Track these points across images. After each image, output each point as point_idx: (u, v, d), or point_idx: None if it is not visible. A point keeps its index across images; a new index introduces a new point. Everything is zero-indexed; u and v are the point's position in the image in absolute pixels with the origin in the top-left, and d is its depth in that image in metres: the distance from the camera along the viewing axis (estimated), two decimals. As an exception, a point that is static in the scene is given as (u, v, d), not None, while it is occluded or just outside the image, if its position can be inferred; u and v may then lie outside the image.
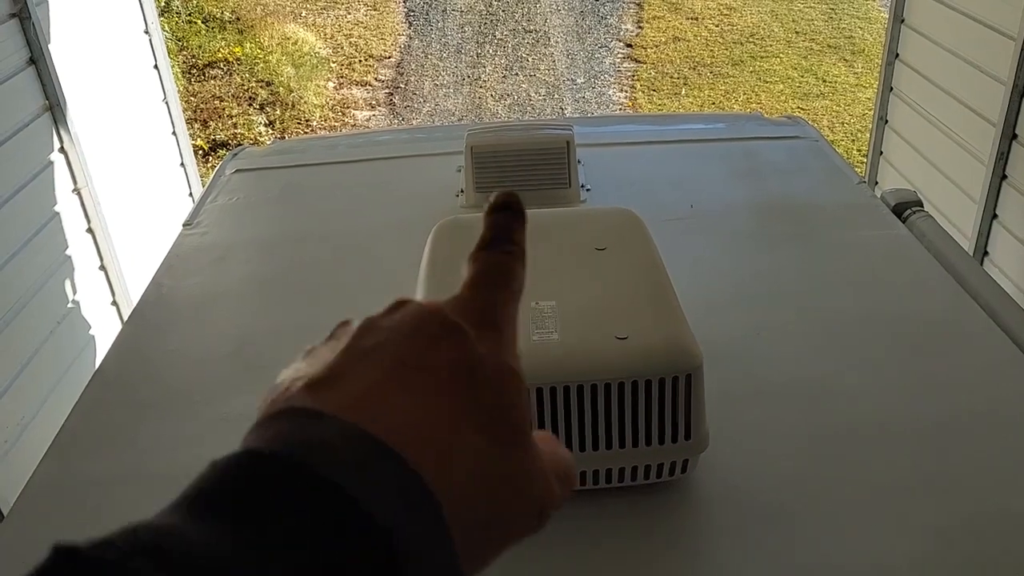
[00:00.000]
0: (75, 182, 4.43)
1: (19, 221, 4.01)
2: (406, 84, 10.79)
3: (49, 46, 4.27)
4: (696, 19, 12.04)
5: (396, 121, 10.02)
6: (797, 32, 11.55)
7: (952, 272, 2.27)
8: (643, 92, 10.37)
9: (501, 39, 11.76)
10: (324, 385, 0.54)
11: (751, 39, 11.47)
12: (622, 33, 11.79)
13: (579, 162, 2.75)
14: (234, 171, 3.10)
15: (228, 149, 6.82)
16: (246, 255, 2.61)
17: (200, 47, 10.73)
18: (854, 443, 1.76)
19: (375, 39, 11.75)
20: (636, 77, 10.73)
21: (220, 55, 10.63)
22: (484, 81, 10.84)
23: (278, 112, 9.90)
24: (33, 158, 4.17)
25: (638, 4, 12.41)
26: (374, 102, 10.48)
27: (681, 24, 11.91)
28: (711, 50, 11.27)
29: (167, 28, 10.27)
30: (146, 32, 5.49)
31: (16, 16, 4.10)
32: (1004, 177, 4.43)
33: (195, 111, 9.63)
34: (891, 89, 5.66)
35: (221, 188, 2.99)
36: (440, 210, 2.38)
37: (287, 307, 2.34)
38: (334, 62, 11.22)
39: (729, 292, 2.28)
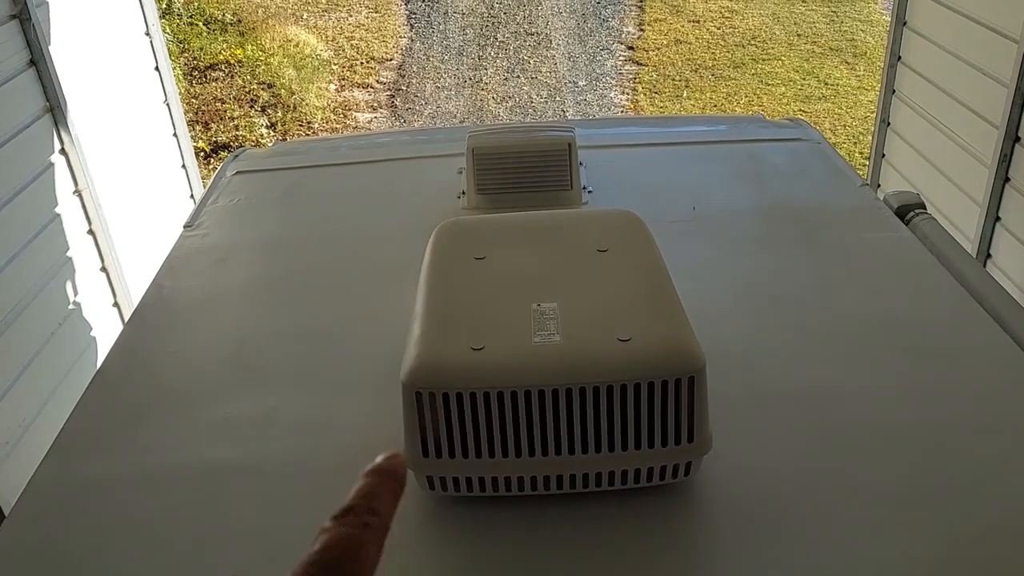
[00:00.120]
0: (76, 184, 4.43)
1: (20, 223, 4.01)
2: (408, 86, 10.79)
3: (50, 47, 4.26)
4: (698, 22, 12.03)
5: (398, 123, 10.02)
6: (799, 35, 11.54)
7: (955, 274, 2.26)
8: (645, 94, 10.36)
9: (503, 41, 11.76)
10: None
11: (753, 42, 11.46)
12: (624, 35, 11.79)
13: (581, 164, 2.75)
14: (235, 172, 3.09)
15: (229, 151, 6.83)
16: (247, 257, 2.61)
17: (201, 49, 10.74)
18: (858, 448, 1.75)
19: (377, 41, 11.75)
20: (638, 79, 10.73)
21: (222, 57, 10.63)
22: (486, 83, 10.83)
23: (279, 114, 9.90)
24: (34, 160, 4.17)
25: (640, 7, 12.41)
26: (376, 104, 10.48)
27: (683, 27, 11.91)
28: (713, 53, 11.26)
29: (168, 30, 10.27)
30: (147, 34, 5.48)
31: (16, 17, 4.10)
32: (1007, 179, 4.42)
33: (196, 113, 9.63)
34: (893, 91, 5.65)
35: (222, 190, 2.98)
36: (441, 212, 2.38)
37: (288, 309, 2.34)
38: (336, 64, 11.22)
39: (731, 294, 2.27)
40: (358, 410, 1.91)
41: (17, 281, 3.93)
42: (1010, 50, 4.29)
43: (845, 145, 8.91)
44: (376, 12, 12.42)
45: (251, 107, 10.00)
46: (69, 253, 4.36)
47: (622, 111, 10.12)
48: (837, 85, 10.28)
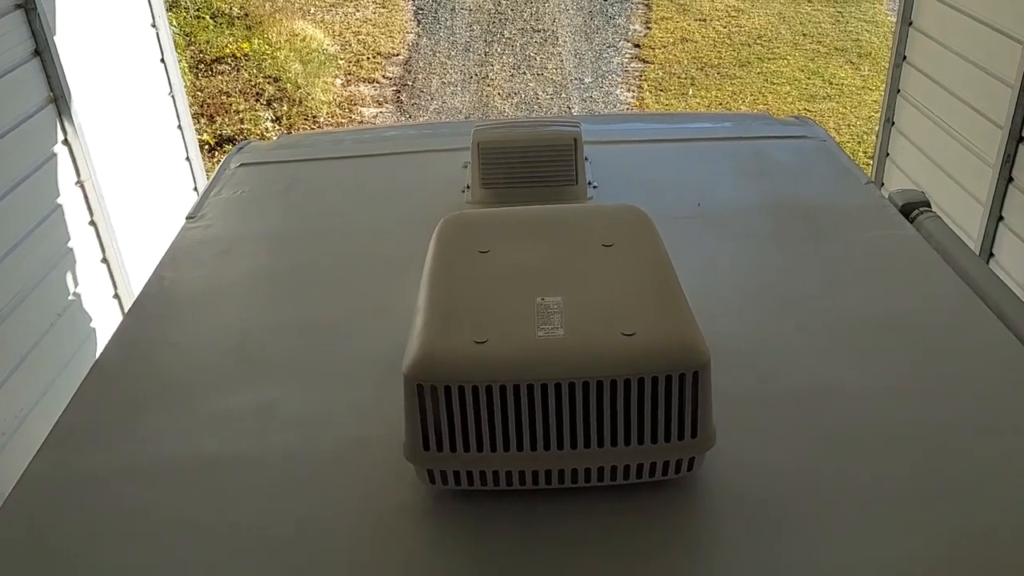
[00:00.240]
0: (78, 174, 4.42)
1: (21, 213, 3.99)
2: (414, 82, 10.78)
3: (54, 38, 4.25)
4: (704, 20, 12.02)
5: (403, 118, 10.00)
6: (804, 35, 11.53)
7: (960, 273, 2.25)
8: (650, 92, 10.35)
9: (509, 38, 11.74)
10: None
11: (758, 41, 11.45)
12: (630, 33, 11.77)
13: (586, 159, 2.73)
14: (239, 164, 3.08)
15: (234, 144, 6.83)
16: (250, 249, 2.59)
17: (208, 42, 10.72)
18: (860, 446, 1.73)
19: (383, 36, 11.74)
20: (643, 77, 10.72)
21: (228, 51, 10.62)
22: (492, 79, 10.82)
23: (285, 108, 9.88)
24: (36, 150, 4.15)
25: (646, 5, 12.40)
26: (381, 99, 10.47)
27: (689, 25, 11.89)
28: (718, 51, 11.25)
29: (175, 23, 10.26)
30: (153, 26, 5.47)
31: (22, 7, 4.09)
32: (1010, 179, 4.41)
33: (202, 106, 9.62)
34: (898, 91, 5.64)
35: (226, 181, 2.97)
36: (446, 206, 2.36)
37: (290, 301, 2.32)
38: (342, 59, 11.21)
39: (736, 291, 2.25)
40: (359, 403, 1.90)
41: (17, 271, 3.92)
42: (1015, 51, 4.28)
43: (849, 144, 8.88)
44: (383, 7, 12.41)
45: (256, 101, 9.98)
46: (70, 244, 4.35)
47: (627, 108, 10.10)
48: (842, 85, 10.27)
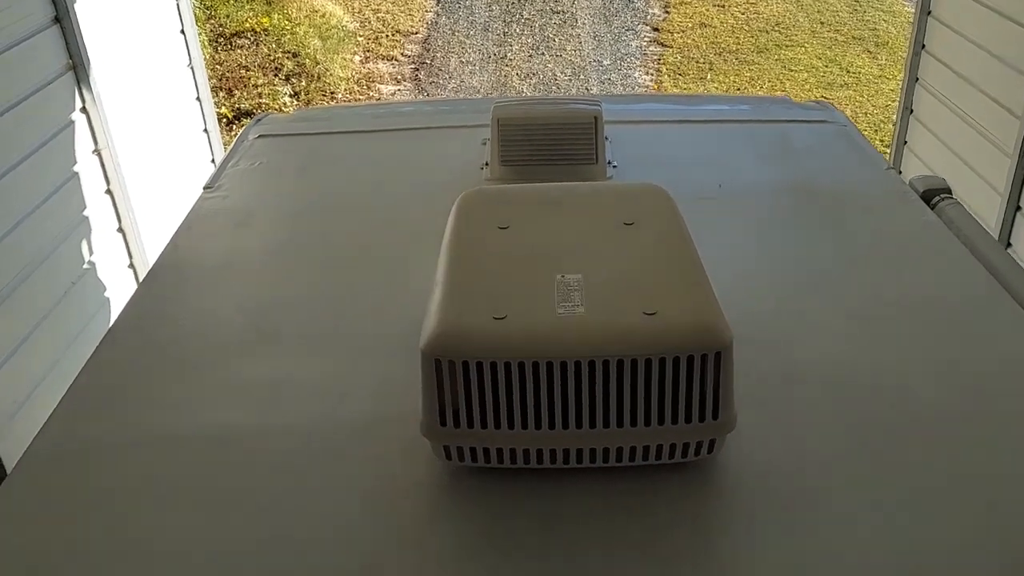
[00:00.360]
0: (96, 143, 4.41)
1: (37, 179, 3.99)
2: (432, 60, 10.74)
3: (75, 5, 4.24)
4: (723, 6, 11.96)
5: (421, 96, 9.97)
6: (822, 23, 11.47)
7: (982, 260, 2.23)
8: (668, 76, 10.30)
9: (528, 18, 11.70)
10: None
11: (777, 28, 11.39)
12: (649, 17, 11.72)
13: (606, 139, 2.71)
14: (257, 136, 3.07)
15: (252, 118, 6.84)
16: (266, 220, 2.58)
17: (228, 16, 10.70)
18: (881, 430, 1.72)
19: (403, 14, 11.71)
20: (662, 61, 10.67)
21: (248, 25, 10.59)
22: (510, 60, 10.78)
23: (303, 84, 9.87)
24: (54, 117, 4.15)
25: (666, -12, 12.35)
26: (400, 77, 10.44)
27: (708, 10, 11.83)
28: (737, 37, 11.20)
29: (195, -5, 10.23)
30: (173, -4, 5.46)
31: (42, -26, 4.07)
32: (1028, 169, 4.40)
33: (220, 79, 9.60)
34: (916, 80, 5.62)
35: (244, 153, 2.96)
36: (464, 182, 2.34)
37: (305, 275, 2.31)
38: (361, 36, 11.18)
39: (756, 273, 2.23)
40: (375, 377, 1.88)
41: (32, 238, 3.92)
42: (1033, 41, 4.26)
43: (866, 132, 8.80)
44: (403, -15, 12.38)
45: (275, 75, 9.97)
46: (86, 212, 4.34)
47: (646, 91, 10.06)
48: (859, 73, 10.20)
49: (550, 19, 11.70)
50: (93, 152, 4.40)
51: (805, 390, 1.82)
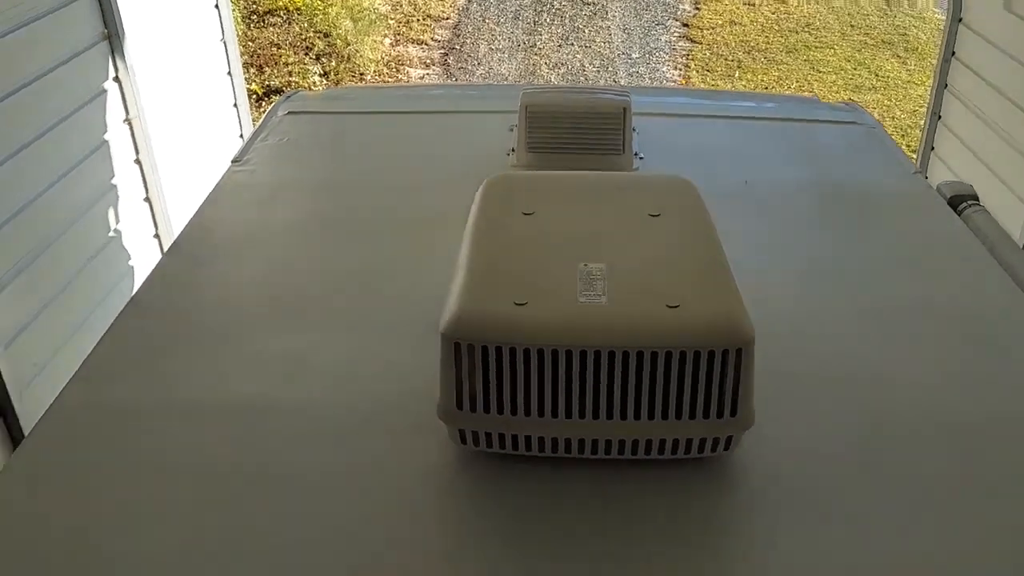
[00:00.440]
0: (127, 112, 4.42)
1: (69, 145, 4.00)
2: (462, 46, 10.73)
3: (112, -26, 4.25)
4: (753, 4, 11.91)
5: (450, 81, 9.96)
6: (852, 25, 11.41)
7: (1007, 267, 2.22)
8: (697, 72, 10.26)
9: (559, 9, 11.67)
10: None
11: (806, 28, 11.34)
12: (679, 13, 11.68)
13: (634, 130, 2.70)
14: (287, 112, 3.08)
15: (281, 96, 6.82)
16: (292, 196, 2.59)
17: (261, -7, 10.72)
18: (902, 434, 1.71)
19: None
20: (691, 57, 10.63)
21: (281, 3, 10.60)
22: (539, 49, 10.75)
23: (333, 64, 9.88)
24: (88, 85, 4.16)
25: (697, -15, 12.30)
26: (429, 61, 10.43)
27: (738, 8, 11.78)
28: (766, 36, 11.15)
29: (229, -29, 10.24)
30: (209, -30, 5.46)
31: (81, -57, 4.08)
32: (1056, 180, 4.36)
33: (252, 56, 9.63)
34: (946, 86, 5.58)
35: (272, 128, 2.97)
36: (489, 168, 2.34)
37: (330, 251, 2.32)
38: (392, 19, 11.17)
39: (779, 271, 2.22)
40: (393, 358, 1.89)
41: (61, 204, 3.93)
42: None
43: (893, 136, 8.71)
44: (436, -30, 12.36)
45: (306, 54, 9.99)
46: (114, 180, 4.36)
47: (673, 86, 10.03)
48: (887, 77, 10.14)
49: (581, 10, 11.67)
50: (124, 121, 4.42)
51: (821, 390, 1.81)
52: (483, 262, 1.64)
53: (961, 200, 2.53)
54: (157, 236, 4.74)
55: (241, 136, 5.73)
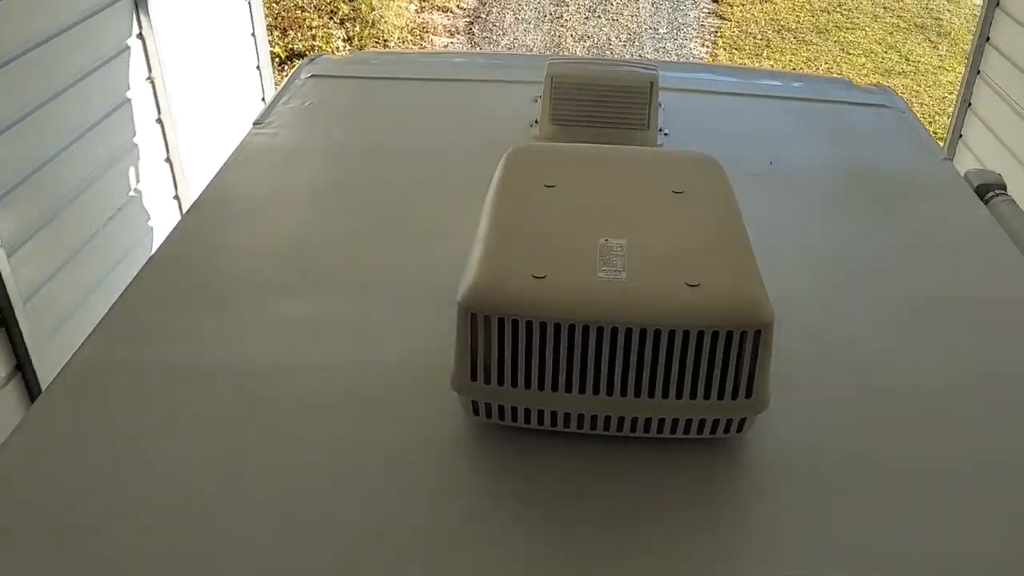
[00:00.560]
0: (150, 70, 4.41)
1: (91, 102, 4.00)
2: (487, 15, 10.67)
3: (137, -69, 4.23)
4: (784, -18, 11.81)
5: (474, 51, 9.92)
6: (885, 7, 11.29)
7: None
8: (724, 49, 10.18)
9: (588, -21, 11.60)
10: None
11: (838, 9, 11.23)
12: (709, -12, 11.60)
13: (660, 106, 2.67)
14: (310, 76, 3.06)
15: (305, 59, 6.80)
16: (313, 160, 2.58)
17: (286, -46, 10.68)
18: (916, 421, 1.69)
19: (461, -34, 11.64)
20: (719, 34, 10.55)
21: (306, -36, 10.57)
22: (566, 20, 10.69)
23: (357, 29, 9.84)
24: (111, 41, 4.15)
25: (729, -39, 12.19)
26: (453, 29, 10.38)
27: (769, -15, 11.69)
28: (797, 15, 11.05)
29: (256, -69, 10.19)
30: (234, -70, 5.44)
31: (106, -101, 4.06)
32: (1084, 173, 4.31)
33: (276, 19, 9.60)
34: (978, 72, 5.51)
35: (295, 91, 2.96)
36: (512, 138, 2.32)
37: (350, 216, 2.31)
38: (418, -16, 11.13)
39: (802, 254, 2.20)
40: (410, 326, 1.88)
41: (81, 162, 3.94)
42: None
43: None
44: (464, -64, 12.29)
45: (330, 18, 9.95)
46: (136, 139, 4.36)
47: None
48: (918, 62, 10.04)
49: (610, -18, 11.60)
50: (146, 79, 4.41)
51: (836, 376, 1.80)
52: (503, 233, 1.63)
53: (988, 189, 2.49)
54: (177, 197, 4.75)
55: (263, 99, 5.72)
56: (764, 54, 10.11)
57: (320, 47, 9.32)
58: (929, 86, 9.54)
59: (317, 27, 9.69)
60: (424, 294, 1.94)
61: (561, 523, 1.47)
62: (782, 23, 10.84)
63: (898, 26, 10.85)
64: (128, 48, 4.26)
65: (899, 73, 9.78)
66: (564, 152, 1.99)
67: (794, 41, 10.45)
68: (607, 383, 1.49)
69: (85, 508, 1.48)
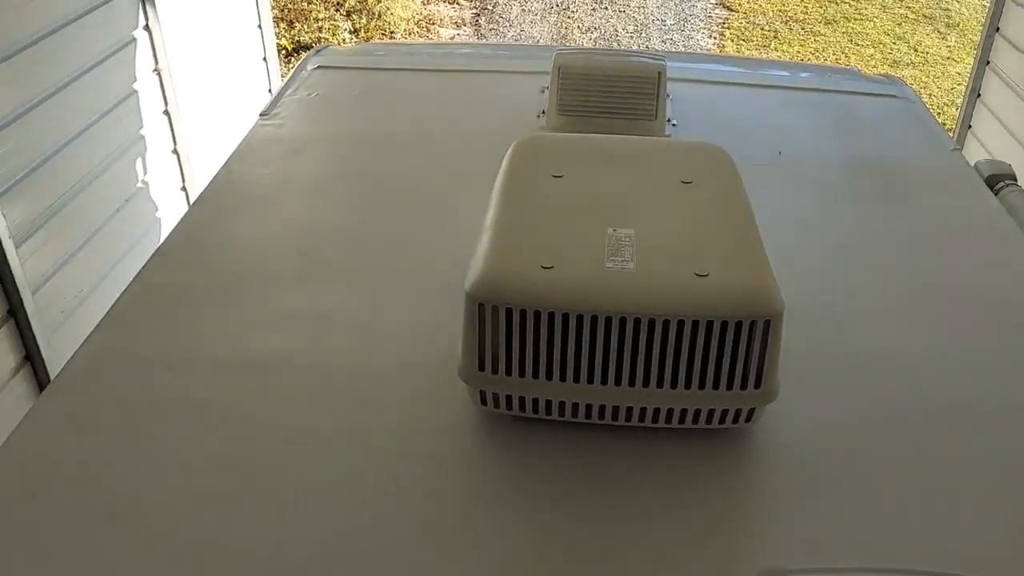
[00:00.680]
0: (156, 62, 4.41)
1: (97, 95, 4.00)
2: (494, 6, 10.65)
3: (143, -78, 4.23)
4: (794, -26, 11.76)
5: (481, 41, 9.91)
6: (893, -3, 11.26)
7: None
8: (732, 40, 10.15)
9: (595, -29, 11.57)
10: None
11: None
12: (717, -21, 11.56)
13: (668, 96, 2.66)
14: (316, 67, 3.06)
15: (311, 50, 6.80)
16: (320, 151, 2.58)
17: (293, -54, 10.66)
18: (924, 415, 1.68)
19: (468, -42, 11.62)
20: (727, 25, 10.51)
21: (312, -43, 10.55)
22: (572, 12, 10.67)
23: (364, 21, 9.83)
24: (117, 33, 4.15)
25: (736, -48, 12.15)
26: (460, 21, 10.37)
27: (778, -23, 11.64)
28: (804, 6, 11.00)
29: (262, -78, 10.18)
30: (241, -79, 5.43)
31: None
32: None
33: (282, 11, 9.59)
34: (988, 63, 5.48)
35: (302, 82, 2.96)
36: (519, 129, 2.31)
37: (356, 208, 2.30)
38: (425, -24, 11.11)
39: (809, 245, 2.19)
40: (417, 317, 1.88)
41: (88, 153, 3.94)
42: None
43: (929, 114, 8.65)
44: (470, -73, 12.26)
45: (336, 10, 9.94)
46: (143, 131, 4.36)
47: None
48: (927, 53, 9.99)
49: (617, -27, 11.57)
50: (153, 71, 4.41)
51: (845, 367, 1.79)
52: (511, 224, 1.62)
53: (999, 179, 2.48)
54: (184, 188, 4.75)
55: (270, 91, 5.72)
56: (772, 45, 10.08)
57: (326, 39, 9.31)
58: (938, 77, 9.50)
59: (323, 19, 9.69)
60: (431, 284, 1.94)
61: (568, 512, 1.46)
62: (790, 14, 10.80)
63: (907, 17, 10.80)
64: (135, 40, 4.25)
65: (908, 64, 9.74)
66: (572, 142, 1.98)
67: (802, 32, 10.41)
68: (615, 373, 1.48)
69: (92, 497, 1.48)
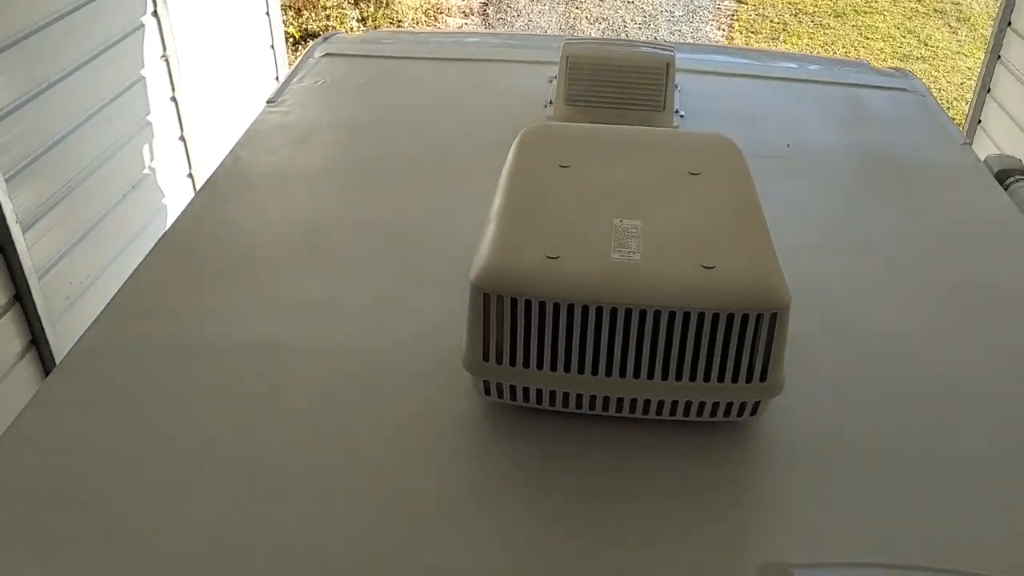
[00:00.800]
0: (164, 48, 4.40)
1: (104, 81, 3.99)
2: (502, -5, 10.65)
3: (151, -92, 4.22)
4: (805, -35, 11.71)
5: (488, 31, 9.89)
6: (904, -8, 11.21)
7: None
8: (741, 33, 10.12)
9: (604, -38, 11.54)
10: None
11: (856, -8, 11.15)
12: (727, -30, 11.52)
13: (676, 87, 2.66)
14: (323, 54, 3.06)
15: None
16: (326, 139, 2.57)
17: (302, -66, 10.64)
18: (930, 408, 1.68)
19: (477, -54, 11.59)
20: (735, 17, 10.47)
21: (321, -56, 10.54)
22: (581, 2, 10.64)
23: (372, 9, 9.81)
24: (125, 18, 4.14)
25: (746, -57, 12.10)
26: (468, 11, 10.34)
27: (788, -31, 11.60)
28: (815, -2, 10.98)
29: (271, -90, 10.16)
30: (250, -92, 5.42)
31: None
32: (1105, 163, 4.25)
33: (290, -2, 9.59)
34: (999, 58, 5.46)
35: (309, 70, 2.95)
36: (526, 119, 2.31)
37: (362, 196, 2.30)
38: (434, -36, 11.09)
39: (818, 238, 2.18)
40: (422, 306, 1.88)
41: (95, 139, 3.93)
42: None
43: (938, 109, 8.62)
44: (479, -83, 12.23)
45: (344, -1, 9.94)
46: (150, 117, 4.35)
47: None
48: (937, 47, 9.94)
49: (626, -36, 11.53)
50: (161, 57, 4.40)
51: (851, 361, 1.79)
52: (516, 213, 1.62)
53: (1009, 174, 2.47)
54: (191, 175, 4.74)
55: (277, 78, 5.71)
56: (781, 38, 10.04)
57: (334, 27, 9.30)
58: (948, 71, 9.46)
59: (331, 7, 9.67)
60: (437, 273, 1.94)
61: (571, 503, 1.46)
62: (799, 6, 10.76)
63: (917, 11, 10.76)
64: (143, 26, 4.24)
65: (918, 58, 9.70)
66: (579, 132, 1.97)
67: (811, 25, 10.37)
68: (620, 364, 1.48)
69: (97, 482, 1.49)
